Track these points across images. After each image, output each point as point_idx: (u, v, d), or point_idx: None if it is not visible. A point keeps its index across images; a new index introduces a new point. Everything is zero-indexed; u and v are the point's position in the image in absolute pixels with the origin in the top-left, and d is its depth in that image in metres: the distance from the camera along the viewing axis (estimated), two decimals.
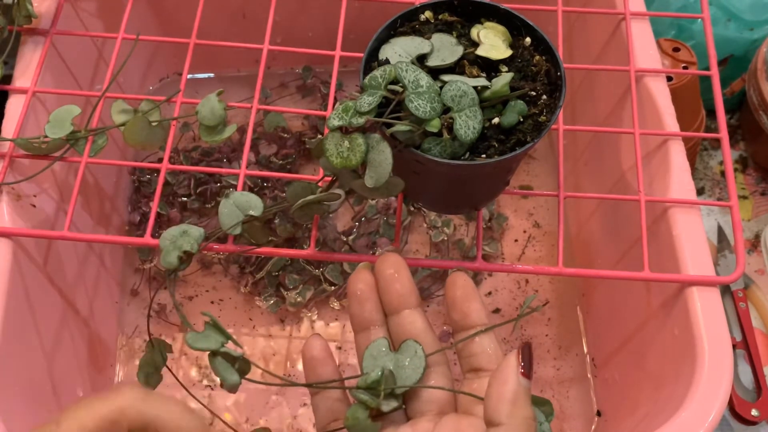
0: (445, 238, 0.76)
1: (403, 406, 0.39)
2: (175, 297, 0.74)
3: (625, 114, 0.62)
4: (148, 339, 0.43)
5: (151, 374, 0.43)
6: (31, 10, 0.59)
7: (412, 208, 0.78)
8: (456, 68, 0.44)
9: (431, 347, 0.40)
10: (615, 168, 0.65)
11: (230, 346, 0.39)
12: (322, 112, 0.60)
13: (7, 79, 0.59)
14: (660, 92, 0.59)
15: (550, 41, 0.45)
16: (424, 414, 0.39)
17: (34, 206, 0.57)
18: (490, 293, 0.75)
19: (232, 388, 0.39)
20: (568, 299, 0.75)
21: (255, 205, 0.43)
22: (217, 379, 0.70)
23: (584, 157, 0.75)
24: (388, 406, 0.38)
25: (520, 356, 0.34)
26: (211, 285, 0.75)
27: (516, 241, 0.78)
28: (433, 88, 0.40)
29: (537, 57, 0.45)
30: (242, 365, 0.39)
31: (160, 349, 0.42)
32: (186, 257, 0.42)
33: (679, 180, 0.55)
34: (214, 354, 0.38)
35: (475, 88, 0.42)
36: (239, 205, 0.43)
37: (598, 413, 0.67)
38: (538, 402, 0.37)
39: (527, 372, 0.34)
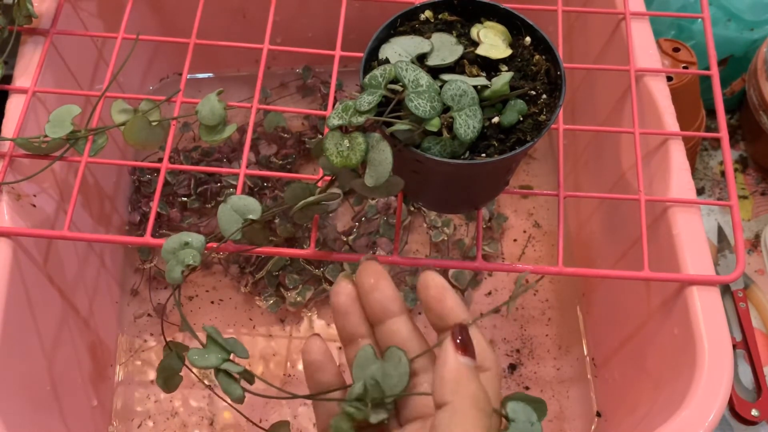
0: (445, 238, 0.76)
1: (391, 415, 0.39)
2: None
3: (625, 114, 0.62)
4: (164, 343, 0.42)
5: (170, 377, 0.43)
6: (31, 10, 0.59)
7: (412, 208, 0.78)
8: (456, 67, 0.44)
9: (419, 353, 0.39)
10: (615, 168, 0.65)
11: (233, 357, 0.39)
12: (322, 112, 0.60)
13: (7, 78, 0.59)
14: (660, 92, 0.59)
15: (550, 41, 0.45)
16: (416, 420, 0.39)
17: (34, 206, 0.57)
18: (490, 293, 0.75)
19: (238, 401, 0.39)
20: (568, 299, 0.75)
21: (253, 208, 0.43)
22: None
23: (584, 156, 0.75)
24: (376, 417, 0.37)
25: (455, 336, 0.35)
26: (211, 285, 0.75)
27: (516, 241, 0.78)
28: (433, 87, 0.40)
29: (537, 56, 0.45)
30: (245, 377, 0.39)
31: (177, 353, 0.42)
32: (190, 270, 0.42)
33: (679, 180, 0.55)
34: (217, 369, 0.39)
35: (474, 87, 0.42)
36: (237, 209, 0.43)
37: (598, 414, 0.67)
38: (531, 401, 0.36)
39: (466, 350, 0.34)
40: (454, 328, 0.35)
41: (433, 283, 0.38)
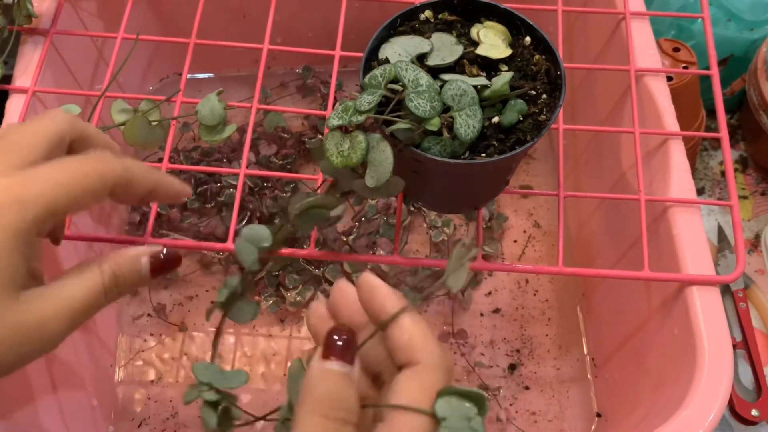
0: (445, 238, 0.76)
1: None
2: (176, 296, 0.75)
3: (625, 113, 0.62)
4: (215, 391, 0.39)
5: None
6: (31, 9, 0.59)
7: (412, 208, 0.78)
8: (456, 67, 0.44)
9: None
10: (615, 167, 0.65)
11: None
12: (322, 112, 0.60)
13: (7, 78, 0.59)
14: (660, 92, 0.59)
15: (550, 40, 0.45)
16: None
17: None
18: (490, 293, 0.75)
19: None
20: (568, 299, 0.75)
21: (265, 236, 0.43)
22: None
23: (584, 156, 0.75)
24: None
25: (325, 340, 0.32)
26: (211, 285, 0.75)
27: (515, 241, 0.78)
28: (433, 87, 0.40)
29: (537, 56, 0.45)
30: (225, 413, 0.38)
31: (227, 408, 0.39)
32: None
33: (679, 179, 0.55)
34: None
35: (474, 87, 0.42)
36: (250, 239, 0.43)
37: (598, 414, 0.67)
38: (466, 395, 0.31)
39: (335, 354, 0.32)
40: (328, 331, 0.33)
41: (365, 286, 0.35)
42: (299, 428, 0.30)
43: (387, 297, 0.34)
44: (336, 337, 0.32)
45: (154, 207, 0.53)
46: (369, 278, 0.35)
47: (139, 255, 0.38)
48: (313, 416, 0.30)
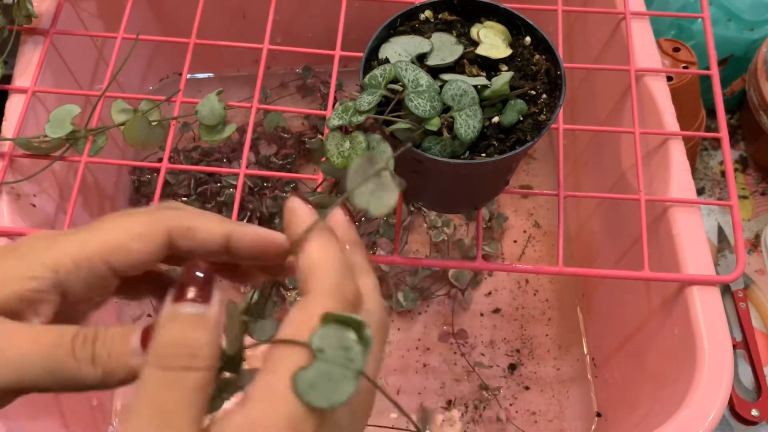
0: (445, 238, 0.76)
1: None
2: None
3: (625, 113, 0.62)
4: None
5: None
6: (31, 9, 0.59)
7: (412, 208, 0.78)
8: (456, 67, 0.44)
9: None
10: (615, 167, 0.65)
11: None
12: (322, 112, 0.60)
13: (7, 78, 0.59)
14: (660, 92, 0.59)
15: (550, 40, 0.45)
16: None
17: (34, 206, 0.57)
18: (490, 293, 0.75)
19: None
20: (568, 299, 0.75)
21: None
22: None
23: (584, 156, 0.75)
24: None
25: (177, 281, 0.28)
26: None
27: (516, 241, 0.78)
28: (433, 87, 0.40)
29: (537, 56, 0.45)
30: None
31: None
32: None
33: (679, 179, 0.55)
34: None
35: (475, 87, 0.42)
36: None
37: (598, 414, 0.67)
38: (347, 322, 0.28)
39: (182, 295, 0.28)
40: (181, 271, 0.29)
41: (286, 211, 0.32)
42: (140, 386, 0.27)
43: (304, 222, 0.31)
44: (188, 276, 0.28)
45: (156, 197, 0.52)
46: (290, 202, 0.32)
47: (132, 330, 0.30)
48: (151, 370, 0.27)
